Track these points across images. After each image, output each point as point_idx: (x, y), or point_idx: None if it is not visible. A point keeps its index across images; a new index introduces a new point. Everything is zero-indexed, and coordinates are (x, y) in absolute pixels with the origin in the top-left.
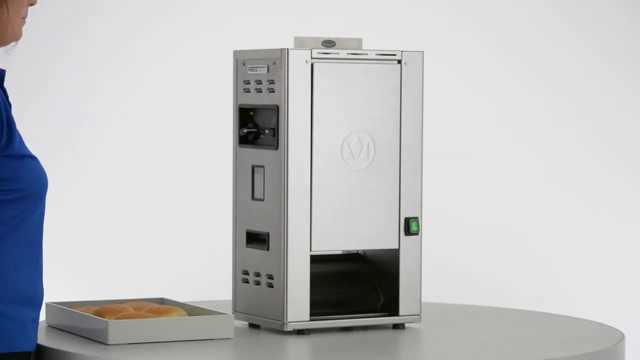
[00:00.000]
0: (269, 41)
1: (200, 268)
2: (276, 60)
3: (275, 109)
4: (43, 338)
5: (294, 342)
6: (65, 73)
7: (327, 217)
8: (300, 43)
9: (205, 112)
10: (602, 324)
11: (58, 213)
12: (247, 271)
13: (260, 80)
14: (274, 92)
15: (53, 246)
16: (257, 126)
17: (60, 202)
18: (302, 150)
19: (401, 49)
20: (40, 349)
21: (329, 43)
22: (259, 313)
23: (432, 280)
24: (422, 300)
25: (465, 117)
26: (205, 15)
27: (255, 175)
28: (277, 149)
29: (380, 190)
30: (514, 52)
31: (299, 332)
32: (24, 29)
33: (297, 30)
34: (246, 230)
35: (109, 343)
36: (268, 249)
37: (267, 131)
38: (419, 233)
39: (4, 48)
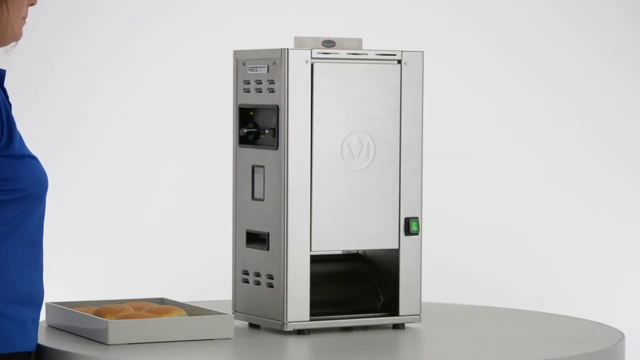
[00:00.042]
0: (269, 41)
1: (200, 268)
2: (276, 60)
3: (275, 109)
4: (43, 338)
5: (294, 342)
6: (65, 73)
7: (327, 217)
8: (300, 43)
9: (205, 112)
10: (602, 324)
11: (58, 213)
12: (247, 271)
13: (260, 80)
14: (274, 92)
15: (53, 246)
16: (257, 126)
17: (60, 202)
18: (302, 150)
19: (401, 49)
20: (40, 349)
21: (329, 43)
22: (259, 313)
23: (432, 280)
24: (422, 300)
25: (465, 117)
26: (205, 15)
27: (255, 175)
28: (277, 149)
29: (380, 190)
30: (514, 52)
31: (299, 332)
32: (24, 29)
33: (297, 30)
34: (246, 230)
35: (109, 343)
36: (268, 249)
37: (267, 131)
38: (419, 233)
39: (4, 48)
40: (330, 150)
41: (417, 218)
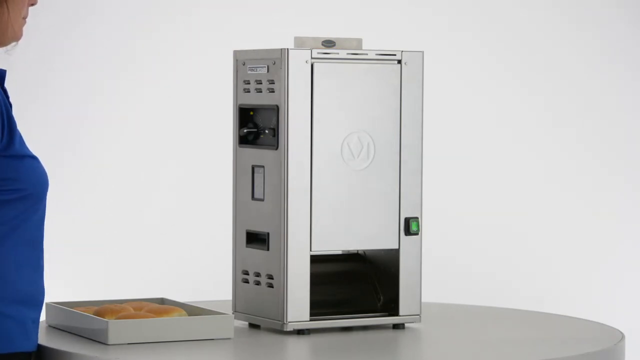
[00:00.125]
0: (269, 41)
1: (200, 268)
2: (276, 60)
3: (275, 109)
4: (43, 338)
5: (294, 342)
6: (65, 73)
7: (327, 217)
8: (300, 43)
9: (205, 112)
10: (602, 324)
11: (58, 213)
12: (247, 271)
13: (260, 80)
14: (274, 92)
15: (53, 246)
16: (257, 126)
17: (60, 202)
18: (302, 150)
19: (401, 49)
20: (40, 349)
21: (329, 43)
22: (259, 313)
23: (432, 280)
24: (422, 300)
25: (465, 117)
26: (205, 15)
27: (255, 175)
28: (277, 149)
29: (380, 190)
30: (514, 52)
31: (299, 332)
32: (24, 29)
33: (297, 30)
34: (246, 230)
35: (109, 343)
36: (268, 249)
37: (267, 131)
38: (419, 233)
39: (4, 48)
40: (330, 150)
41: (417, 218)
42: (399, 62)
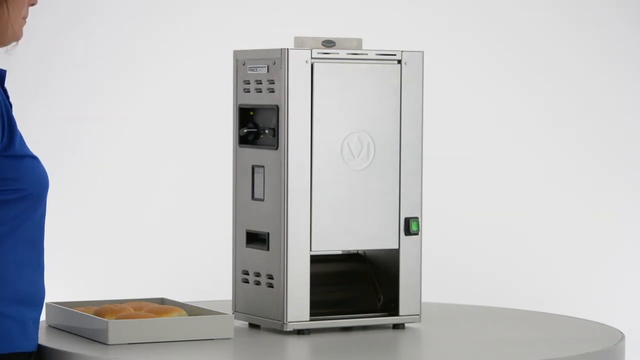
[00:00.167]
0: (269, 41)
1: (200, 268)
2: (276, 60)
3: (275, 109)
4: (43, 338)
5: (294, 342)
6: (65, 73)
7: (327, 217)
8: (300, 43)
9: (205, 112)
10: (602, 324)
11: (58, 213)
12: (247, 271)
13: (260, 80)
14: (274, 92)
15: (53, 246)
16: (257, 126)
17: (60, 202)
18: (302, 150)
19: (401, 49)
20: (40, 349)
21: (329, 43)
22: (259, 313)
23: (432, 280)
24: (422, 300)
25: (465, 117)
26: (205, 15)
27: (255, 175)
28: (277, 149)
29: (380, 190)
30: (514, 52)
31: (299, 332)
32: (24, 29)
33: (297, 30)
34: (246, 230)
35: (109, 343)
36: (268, 249)
37: (267, 131)
38: (419, 233)
39: (4, 48)
40: (330, 150)
41: (417, 218)
42: (399, 62)
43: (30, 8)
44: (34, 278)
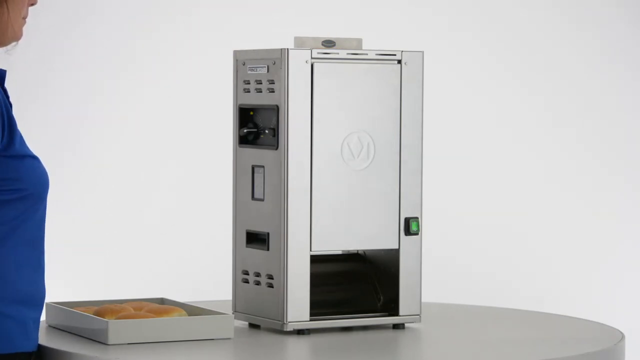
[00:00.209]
0: (269, 41)
1: (200, 268)
2: (276, 60)
3: (275, 109)
4: (43, 338)
5: (294, 342)
6: (65, 73)
7: (327, 217)
8: (300, 43)
9: (205, 112)
10: (602, 324)
11: (58, 213)
12: (247, 271)
13: (260, 80)
14: (274, 92)
15: (53, 246)
16: (257, 126)
17: (60, 202)
18: (302, 150)
19: (401, 49)
20: (40, 349)
21: (329, 43)
22: (259, 313)
23: (432, 280)
24: (422, 300)
25: (465, 117)
26: (205, 15)
27: (255, 175)
28: (277, 149)
29: (380, 190)
30: (514, 52)
31: (299, 332)
32: (24, 29)
33: (297, 30)
34: (246, 230)
35: (109, 343)
36: (268, 249)
37: (267, 131)
38: (419, 233)
39: (4, 48)
40: (330, 150)
41: (417, 218)
42: (399, 62)
43: (30, 8)
44: (34, 278)
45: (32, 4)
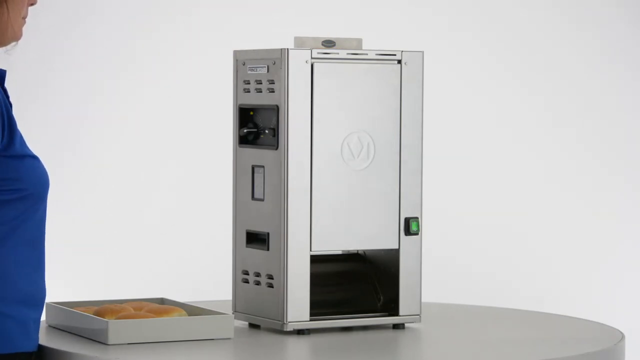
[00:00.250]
0: (269, 41)
1: (200, 268)
2: (276, 60)
3: (275, 109)
4: (43, 338)
5: (294, 342)
6: (65, 73)
7: (327, 217)
8: (300, 43)
9: (205, 112)
10: (602, 324)
11: (58, 213)
12: (247, 271)
13: (260, 80)
14: (274, 92)
15: (53, 246)
16: (257, 126)
17: (60, 202)
18: (302, 150)
19: (401, 49)
20: (40, 349)
21: (329, 43)
22: (259, 313)
23: (432, 280)
24: (422, 300)
25: (465, 117)
26: (205, 15)
27: (255, 175)
28: (277, 149)
29: (380, 190)
30: (514, 52)
31: (299, 332)
32: (24, 29)
33: (297, 30)
34: (246, 230)
35: (109, 343)
36: (268, 249)
37: (267, 131)
38: (419, 233)
39: (4, 48)
40: (330, 150)
41: (417, 218)
42: (399, 62)
43: (30, 8)
44: (34, 278)
45: (32, 4)
